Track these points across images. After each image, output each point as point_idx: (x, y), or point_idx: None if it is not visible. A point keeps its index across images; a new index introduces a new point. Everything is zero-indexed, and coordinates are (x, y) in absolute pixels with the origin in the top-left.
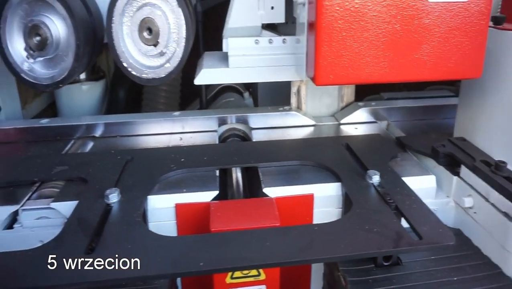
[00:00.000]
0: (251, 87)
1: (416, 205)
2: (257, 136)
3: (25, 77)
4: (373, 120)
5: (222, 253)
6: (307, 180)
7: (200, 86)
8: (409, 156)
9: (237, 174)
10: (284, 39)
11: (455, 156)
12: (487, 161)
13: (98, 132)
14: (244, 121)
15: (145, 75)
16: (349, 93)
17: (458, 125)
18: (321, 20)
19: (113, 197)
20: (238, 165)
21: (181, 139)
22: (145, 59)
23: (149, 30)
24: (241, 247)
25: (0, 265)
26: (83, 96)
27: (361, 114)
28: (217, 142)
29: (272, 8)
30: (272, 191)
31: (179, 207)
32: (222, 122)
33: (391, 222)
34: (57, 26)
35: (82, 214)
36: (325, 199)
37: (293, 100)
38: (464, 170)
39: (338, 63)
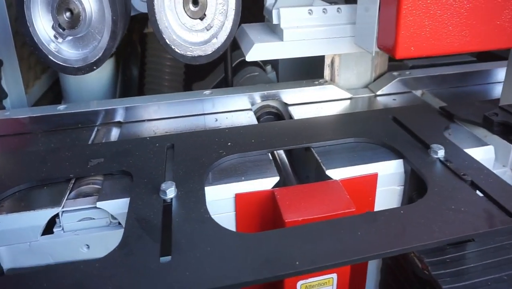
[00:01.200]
0: (271, 61)
1: (491, 179)
2: (296, 112)
3: (54, 59)
4: (407, 90)
5: (313, 248)
6: (368, 159)
7: (216, 61)
8: (459, 126)
9: (284, 156)
10: (338, 8)
11: (511, 125)
12: None
13: (122, 117)
14: (279, 97)
15: (190, 53)
16: (382, 62)
17: (506, 92)
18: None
19: (171, 192)
20: (292, 146)
21: (216, 120)
22: (190, 34)
23: (195, 2)
24: (332, 240)
25: (69, 282)
26: (93, 75)
27: (396, 84)
28: (254, 120)
29: None
30: (336, 173)
31: (239, 198)
32: (255, 99)
33: (475, 199)
34: (90, 0)
35: (140, 214)
36: (389, 177)
37: (327, 72)
38: None
39: (420, 33)
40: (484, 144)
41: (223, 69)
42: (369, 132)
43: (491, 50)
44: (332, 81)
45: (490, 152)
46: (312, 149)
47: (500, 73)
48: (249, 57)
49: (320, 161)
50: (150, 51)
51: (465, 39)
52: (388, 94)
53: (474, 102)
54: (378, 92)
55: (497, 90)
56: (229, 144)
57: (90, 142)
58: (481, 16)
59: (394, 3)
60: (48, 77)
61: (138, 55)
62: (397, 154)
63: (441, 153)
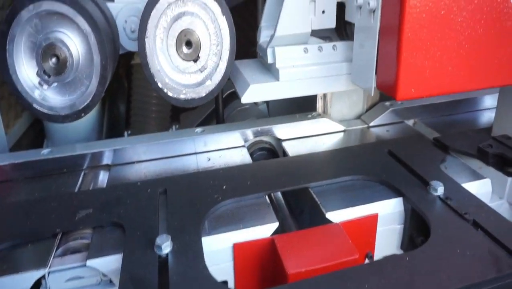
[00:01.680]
0: None
1: (492, 217)
2: (290, 147)
3: (39, 108)
4: (400, 120)
5: None
6: (368, 198)
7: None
8: (454, 158)
9: (281, 196)
10: (334, 45)
11: (507, 157)
12: None
13: (110, 160)
14: (272, 133)
15: (184, 96)
16: (373, 93)
17: (498, 122)
18: (405, 29)
19: (166, 247)
20: (289, 188)
21: (209, 159)
22: (183, 76)
23: (188, 44)
24: None
25: None
26: None
27: (389, 114)
28: (248, 157)
29: (323, 12)
30: (336, 216)
31: (237, 247)
32: (248, 135)
33: (479, 241)
34: (77, 44)
35: (135, 272)
36: (389, 217)
37: (320, 104)
38: None
39: (421, 74)
40: (480, 177)
41: (213, 100)
42: (366, 168)
43: (493, 87)
44: (325, 113)
45: (487, 186)
46: (310, 189)
47: (490, 100)
48: (245, 99)
49: (319, 203)
50: (136, 83)
51: (465, 78)
52: (381, 125)
53: (467, 132)
54: (371, 124)
55: (488, 116)
56: (224, 187)
57: (77, 188)
58: (481, 55)
59: (394, 44)
60: (29, 115)
61: (125, 90)
62: (396, 192)
63: (440, 191)
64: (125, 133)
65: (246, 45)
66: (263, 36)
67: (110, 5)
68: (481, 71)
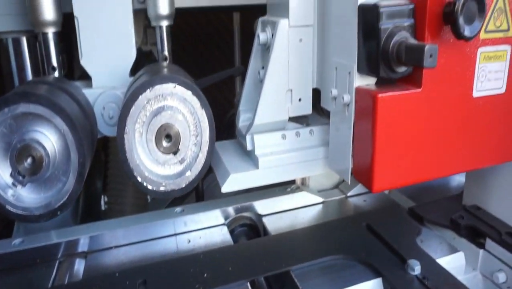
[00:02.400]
0: None
1: None
2: (270, 223)
3: (11, 209)
4: None
5: None
6: (348, 280)
7: None
8: (429, 230)
9: (263, 280)
10: (311, 130)
11: (478, 229)
12: None
13: (87, 247)
14: (253, 209)
15: (163, 188)
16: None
17: (468, 192)
18: (378, 134)
19: None
20: (270, 273)
21: (189, 241)
22: (162, 168)
23: (167, 136)
24: None
25: None
26: None
27: None
28: (229, 237)
29: (300, 100)
30: None
31: None
32: (228, 212)
33: None
34: (53, 142)
35: None
36: None
37: None
38: (489, 243)
39: (395, 167)
40: (454, 250)
41: None
42: (346, 246)
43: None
44: (303, 184)
45: (461, 259)
46: (291, 273)
47: None
48: (225, 189)
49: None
50: (113, 157)
51: (436, 166)
52: (358, 195)
53: (440, 201)
54: (349, 193)
55: (458, 180)
56: (205, 275)
57: (50, 282)
58: (452, 145)
59: (368, 142)
60: None
61: (102, 166)
62: (376, 272)
63: (417, 270)
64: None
65: (223, 116)
66: (242, 120)
67: (88, 91)
68: (451, 158)
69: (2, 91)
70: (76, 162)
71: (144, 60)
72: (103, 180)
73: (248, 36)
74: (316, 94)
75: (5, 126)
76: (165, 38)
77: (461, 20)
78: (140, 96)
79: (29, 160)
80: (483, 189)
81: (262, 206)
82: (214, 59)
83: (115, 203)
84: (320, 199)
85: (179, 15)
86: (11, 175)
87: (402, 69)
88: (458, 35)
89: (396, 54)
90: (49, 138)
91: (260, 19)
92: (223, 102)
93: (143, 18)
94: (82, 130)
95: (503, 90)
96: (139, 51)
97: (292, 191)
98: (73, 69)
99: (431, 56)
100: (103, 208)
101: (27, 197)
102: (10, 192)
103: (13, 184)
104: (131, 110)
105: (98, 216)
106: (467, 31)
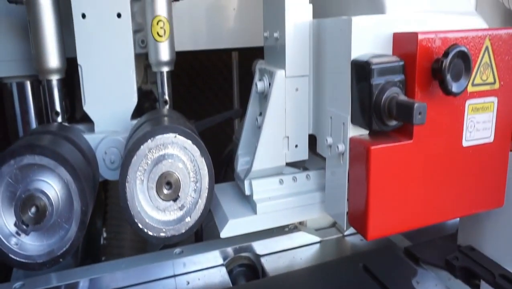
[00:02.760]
0: None
1: None
2: (268, 264)
3: (14, 257)
4: None
5: None
6: None
7: None
8: (425, 270)
9: None
10: (307, 174)
11: (473, 270)
12: (506, 276)
13: None
14: (251, 249)
15: (163, 234)
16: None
17: (462, 232)
18: (372, 184)
19: None
20: None
21: (188, 283)
22: (162, 214)
23: (168, 184)
24: None
25: None
26: None
27: None
28: (227, 278)
29: (296, 146)
30: None
31: None
32: (227, 253)
33: None
34: (57, 192)
35: None
36: None
37: None
38: (484, 285)
39: (388, 216)
40: None
41: None
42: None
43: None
44: (301, 224)
45: None
46: None
47: None
48: (224, 234)
49: None
50: (113, 193)
51: (427, 213)
52: (355, 234)
53: (435, 241)
54: (346, 232)
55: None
56: None
57: None
58: (439, 192)
59: (363, 192)
60: None
61: (102, 204)
62: None
63: None
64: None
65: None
66: (240, 164)
67: (90, 136)
68: (444, 206)
69: (5, 134)
70: (79, 210)
71: (145, 100)
72: (103, 215)
73: (247, 72)
74: (313, 137)
75: (10, 177)
76: (166, 83)
77: (448, 78)
78: (141, 146)
79: (33, 209)
80: (477, 230)
81: (260, 246)
82: (213, 95)
83: (115, 239)
84: (318, 239)
85: (178, 52)
86: (15, 224)
87: (393, 123)
88: (446, 91)
89: (387, 109)
90: (53, 187)
91: (258, 67)
92: (222, 137)
93: (143, 59)
94: (85, 179)
95: (491, 139)
96: (140, 90)
97: (290, 231)
98: (75, 109)
99: (420, 113)
100: (102, 242)
101: (30, 245)
102: (13, 240)
103: (17, 233)
104: (132, 160)
105: (97, 252)
106: (454, 88)
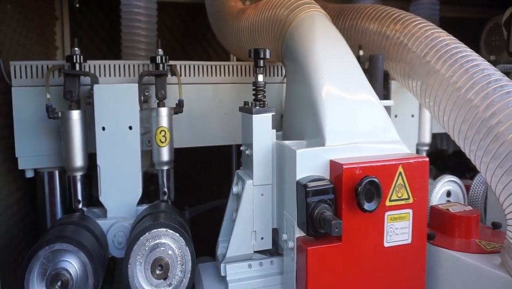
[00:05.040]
0: None
1: None
2: None
3: None
4: None
5: None
6: None
7: None
8: None
9: None
10: (271, 260)
11: None
12: None
13: None
14: None
15: None
16: None
17: None
18: (310, 278)
19: None
20: None
21: None
22: None
23: (160, 266)
24: None
25: None
26: None
27: None
28: None
29: (262, 238)
30: None
31: None
32: None
33: None
34: (77, 270)
35: None
36: None
37: None
38: None
39: None
40: None
41: None
42: None
43: None
44: None
45: None
46: None
47: None
48: None
49: None
50: (119, 264)
51: None
52: None
53: None
54: None
55: None
56: None
57: None
58: (372, 285)
59: (303, 283)
60: None
61: (110, 272)
62: None
63: None
64: None
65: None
66: (220, 249)
67: (103, 221)
68: None
69: (36, 214)
70: (92, 284)
71: (150, 183)
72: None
73: None
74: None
75: (44, 258)
76: (165, 178)
77: (362, 199)
78: (141, 238)
79: (59, 283)
80: None
81: None
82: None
83: None
84: None
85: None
86: None
87: (323, 231)
88: (361, 209)
89: (318, 221)
90: (74, 266)
91: (237, 172)
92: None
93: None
94: (98, 260)
95: (409, 241)
96: (146, 174)
97: None
98: (91, 195)
99: (336, 228)
100: None
101: None
102: None
103: None
104: (134, 247)
105: None
106: (367, 207)
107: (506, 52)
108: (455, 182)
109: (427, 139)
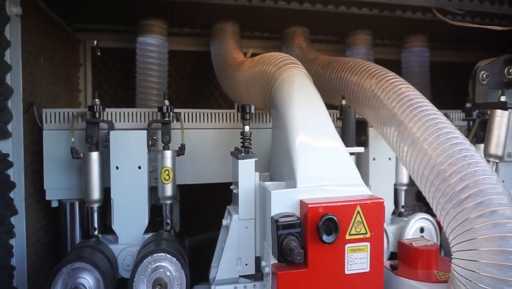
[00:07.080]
0: None
1: None
2: None
3: None
4: None
5: None
6: None
7: None
8: None
9: None
10: (255, 284)
11: None
12: None
13: None
14: None
15: None
16: None
17: None
18: None
19: None
20: None
21: None
22: None
23: (159, 285)
24: None
25: None
26: None
27: None
28: None
29: (246, 264)
30: None
31: None
32: None
33: None
34: (92, 285)
35: None
36: None
37: None
38: None
39: None
40: None
41: None
42: None
43: None
44: None
45: None
46: None
47: None
48: None
49: None
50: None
51: None
52: None
53: None
54: None
55: None
56: None
57: None
58: None
59: None
60: None
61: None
62: None
63: None
64: None
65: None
66: (212, 273)
67: (115, 246)
68: None
69: (58, 238)
70: None
71: (157, 214)
72: None
73: None
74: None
75: (66, 275)
76: (168, 211)
77: (322, 233)
78: (144, 260)
79: None
80: None
81: None
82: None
83: None
84: None
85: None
86: None
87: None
88: (321, 241)
89: (286, 250)
90: (89, 282)
91: (227, 207)
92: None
93: None
94: (109, 278)
95: (367, 270)
96: (154, 206)
97: None
98: (105, 223)
99: (299, 256)
100: None
101: None
102: None
103: None
104: (138, 268)
105: None
106: (326, 239)
107: (471, 103)
108: (428, 219)
109: (404, 179)
